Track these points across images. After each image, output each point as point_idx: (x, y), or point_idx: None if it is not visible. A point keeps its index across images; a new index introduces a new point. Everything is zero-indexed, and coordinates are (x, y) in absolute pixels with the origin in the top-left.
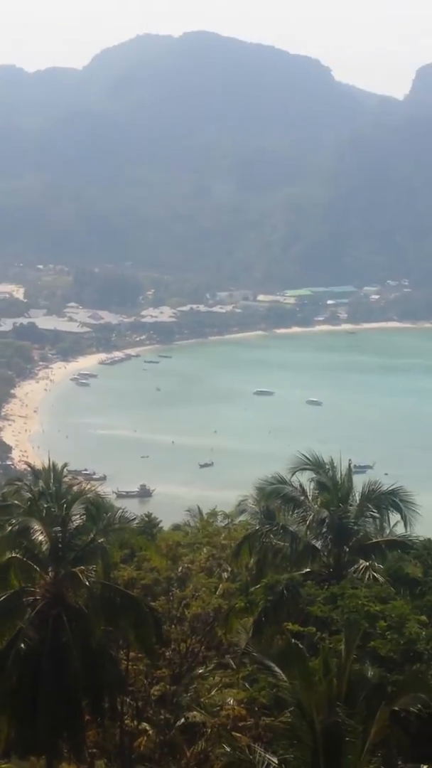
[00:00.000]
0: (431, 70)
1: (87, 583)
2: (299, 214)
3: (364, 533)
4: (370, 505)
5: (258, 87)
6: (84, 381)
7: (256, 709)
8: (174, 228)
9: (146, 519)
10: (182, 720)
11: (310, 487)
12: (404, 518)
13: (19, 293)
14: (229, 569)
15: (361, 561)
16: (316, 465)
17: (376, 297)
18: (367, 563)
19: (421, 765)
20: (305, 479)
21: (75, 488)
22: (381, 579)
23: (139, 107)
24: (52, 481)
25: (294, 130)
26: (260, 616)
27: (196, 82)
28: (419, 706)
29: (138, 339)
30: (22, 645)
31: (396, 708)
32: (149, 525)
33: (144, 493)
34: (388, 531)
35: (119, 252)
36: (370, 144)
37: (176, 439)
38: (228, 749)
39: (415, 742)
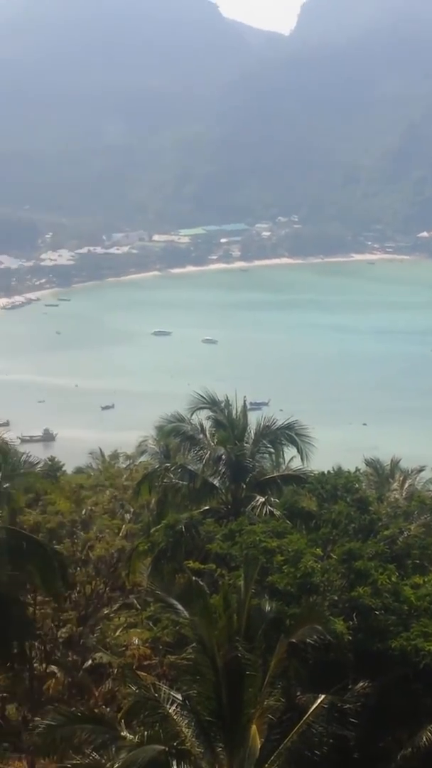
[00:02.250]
0: (315, 5)
1: None
2: (190, 153)
3: (261, 469)
4: (265, 441)
5: (146, 24)
6: None
7: (160, 647)
8: (68, 170)
9: (50, 463)
10: (89, 661)
11: (207, 426)
12: (300, 452)
13: None
14: (132, 510)
15: (257, 497)
16: (212, 403)
17: (268, 234)
18: (264, 498)
19: (319, 694)
20: (203, 417)
21: None
22: (277, 513)
23: (28, 49)
24: None
25: (183, 68)
26: (159, 555)
27: (83, 22)
28: (315, 637)
29: (38, 283)
30: None
31: (294, 640)
32: (53, 469)
33: (47, 437)
34: (284, 466)
35: (15, 195)
36: (258, 81)
37: (78, 382)
38: (134, 688)
39: (313, 673)
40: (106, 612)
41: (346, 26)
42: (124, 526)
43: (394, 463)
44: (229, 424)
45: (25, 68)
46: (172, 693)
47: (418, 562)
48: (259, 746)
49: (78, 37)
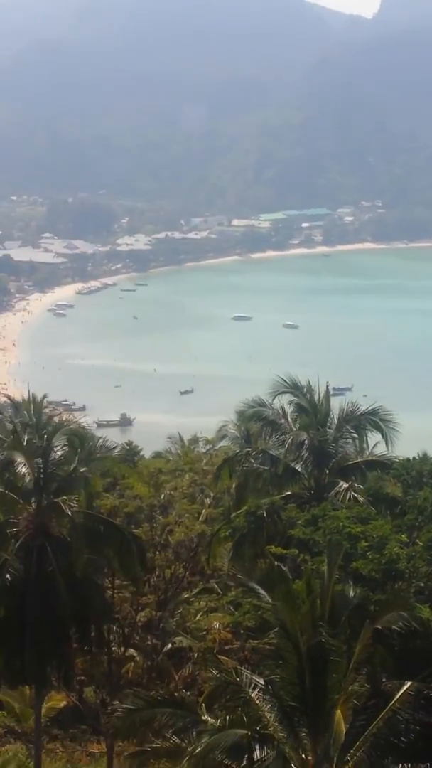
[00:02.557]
0: None
1: (69, 513)
2: (271, 137)
3: (344, 454)
4: (348, 427)
5: (226, 9)
6: (61, 312)
7: (242, 632)
8: (147, 156)
9: (127, 447)
10: (169, 645)
11: (289, 411)
12: (385, 437)
13: None
14: (212, 495)
15: (341, 482)
16: (294, 388)
17: (350, 219)
18: (347, 484)
19: (405, 681)
20: (285, 402)
21: (55, 419)
22: (361, 499)
23: (108, 34)
24: (32, 412)
25: (263, 52)
26: (241, 540)
27: (163, 8)
28: (401, 623)
29: (114, 268)
30: (8, 576)
31: (379, 626)
32: (131, 453)
33: (125, 422)
34: (368, 452)
35: (93, 181)
36: (340, 64)
37: (157, 366)
38: (215, 672)
39: (399, 659)
40: (185, 596)
41: (431, 8)
42: (204, 510)
43: None
44: (311, 409)
45: (106, 54)
46: (254, 677)
47: None
48: (344, 732)
49: (157, 22)
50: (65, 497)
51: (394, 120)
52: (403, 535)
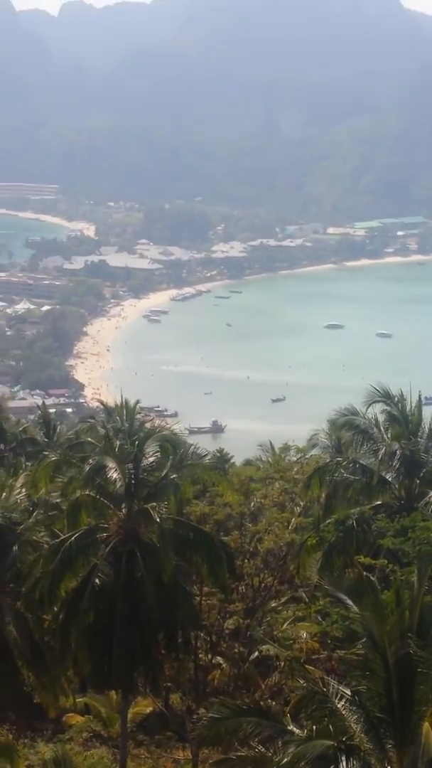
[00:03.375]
0: None
1: (158, 519)
2: (367, 145)
3: None
4: None
5: (324, 17)
6: (155, 318)
7: (329, 642)
8: (242, 163)
9: (218, 454)
10: (256, 653)
11: (381, 420)
12: None
13: (90, 231)
14: (302, 503)
15: (431, 493)
16: (386, 397)
17: None
18: None
19: None
20: (377, 411)
21: (148, 425)
22: None
23: (206, 43)
24: (124, 418)
25: (361, 60)
26: (330, 549)
27: (262, 16)
28: None
29: (208, 274)
30: (97, 581)
31: None
32: (221, 460)
33: (216, 429)
34: None
35: (189, 188)
36: None
37: (249, 374)
38: (302, 682)
39: None
40: (273, 605)
41: None
42: (293, 519)
43: None
44: (403, 418)
45: (203, 62)
46: (340, 688)
47: None
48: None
49: (256, 30)
50: (154, 503)
51: None
52: None
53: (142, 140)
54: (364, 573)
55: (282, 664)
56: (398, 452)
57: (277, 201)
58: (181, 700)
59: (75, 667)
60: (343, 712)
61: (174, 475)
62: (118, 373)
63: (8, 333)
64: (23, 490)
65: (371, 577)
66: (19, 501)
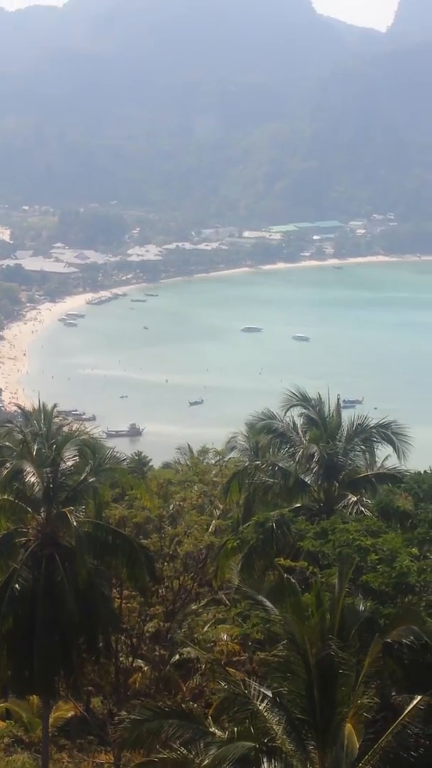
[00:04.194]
0: (413, 1)
1: (74, 523)
2: (283, 149)
3: (354, 467)
4: (358, 440)
5: (240, 22)
6: (72, 321)
7: (250, 644)
8: (159, 166)
9: (137, 458)
10: (176, 656)
11: (299, 423)
12: (397, 451)
13: (5, 235)
14: (221, 506)
15: (350, 495)
16: (304, 400)
17: (362, 231)
18: (356, 497)
19: (415, 695)
20: (295, 415)
21: (66, 429)
22: (368, 513)
23: (122, 45)
24: (42, 422)
25: (277, 64)
26: (250, 552)
27: (177, 19)
28: (411, 637)
29: (124, 278)
30: (17, 585)
31: (389, 640)
32: (140, 464)
33: (134, 432)
34: (379, 465)
35: (104, 191)
36: (353, 77)
37: (167, 377)
38: (223, 684)
39: (408, 674)
40: (194, 607)
41: None
42: (213, 522)
43: None
44: (321, 421)
45: (120, 63)
46: (262, 690)
47: None
48: (356, 745)
49: (171, 33)
50: (72, 507)
51: (407, 132)
52: (413, 549)
53: (58, 143)
54: (285, 575)
55: (203, 666)
56: (316, 455)
57: (193, 204)
58: (103, 703)
59: None
60: (265, 714)
61: (92, 479)
62: (35, 377)
63: None
64: None
65: (291, 579)
66: None
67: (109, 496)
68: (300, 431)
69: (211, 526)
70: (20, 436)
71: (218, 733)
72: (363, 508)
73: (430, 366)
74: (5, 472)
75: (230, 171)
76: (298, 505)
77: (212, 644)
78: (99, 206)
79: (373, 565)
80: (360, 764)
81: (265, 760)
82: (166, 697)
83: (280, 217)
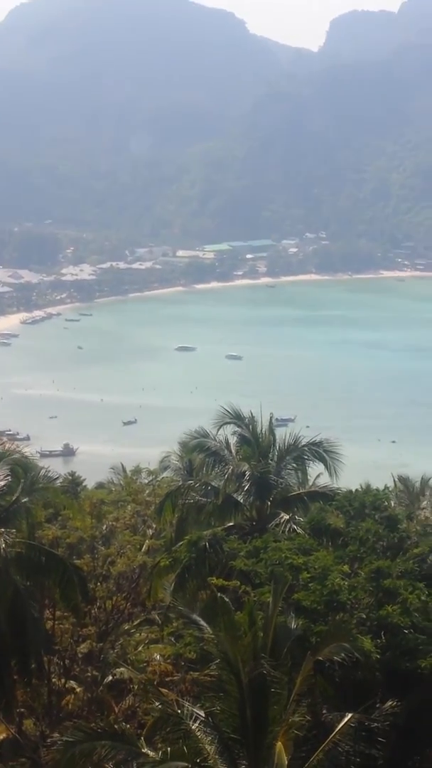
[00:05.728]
0: (345, 21)
1: (2, 545)
2: (216, 168)
3: (286, 486)
4: (290, 458)
5: (173, 41)
6: (5, 341)
7: (183, 664)
8: (93, 185)
9: (70, 478)
10: (109, 677)
11: (232, 442)
12: (329, 468)
13: None
14: (154, 526)
15: (282, 513)
16: (237, 419)
17: (295, 250)
18: (288, 516)
19: (346, 713)
20: (229, 433)
21: None
22: (300, 531)
23: (56, 63)
24: None
25: (210, 83)
26: (183, 571)
27: (112, 37)
28: (342, 655)
29: (58, 297)
30: None
31: (320, 658)
32: (73, 484)
33: (68, 452)
34: (311, 483)
35: (39, 210)
36: (286, 96)
37: (101, 397)
38: (156, 704)
39: (340, 691)
40: (126, 628)
41: (377, 42)
42: (146, 541)
43: (425, 482)
44: (254, 440)
45: (51, 83)
46: (194, 710)
47: None
48: (285, 764)
49: (105, 51)
50: (2, 529)
51: (339, 152)
52: (345, 567)
53: None
54: (218, 594)
55: (136, 687)
56: (248, 473)
57: (127, 223)
58: (35, 725)
59: None
60: (198, 734)
61: (25, 499)
62: None
63: None
64: None
65: (225, 598)
66: None
67: (42, 516)
68: (233, 449)
69: (144, 546)
70: None
71: (151, 753)
72: (295, 526)
73: (362, 384)
74: None
75: (164, 190)
76: (231, 524)
77: (145, 664)
78: (33, 225)
79: (305, 583)
80: None
81: None
82: (99, 719)
83: (213, 235)
